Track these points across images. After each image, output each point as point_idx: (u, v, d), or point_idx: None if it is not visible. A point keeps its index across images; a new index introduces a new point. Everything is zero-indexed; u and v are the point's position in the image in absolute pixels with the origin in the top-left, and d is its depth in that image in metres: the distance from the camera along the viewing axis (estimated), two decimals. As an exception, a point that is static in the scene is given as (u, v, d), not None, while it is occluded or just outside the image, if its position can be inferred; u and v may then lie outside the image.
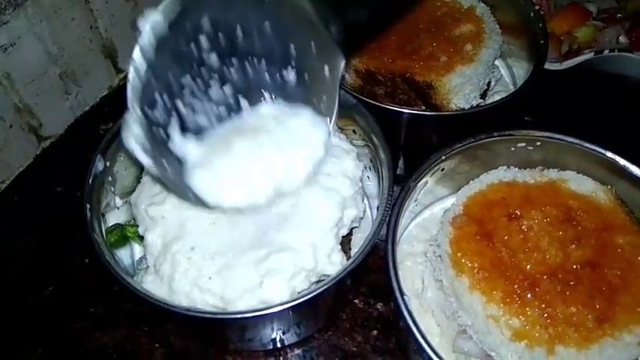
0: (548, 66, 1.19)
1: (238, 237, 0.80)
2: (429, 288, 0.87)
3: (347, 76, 1.08)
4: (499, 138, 0.92)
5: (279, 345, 0.90)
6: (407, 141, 1.01)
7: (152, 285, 0.79)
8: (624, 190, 0.87)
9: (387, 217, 0.82)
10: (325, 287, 0.75)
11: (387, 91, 1.05)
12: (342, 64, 0.80)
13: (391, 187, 0.84)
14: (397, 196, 0.85)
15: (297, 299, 0.74)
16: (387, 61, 1.04)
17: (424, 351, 0.70)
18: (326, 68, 0.81)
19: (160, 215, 0.80)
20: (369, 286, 0.97)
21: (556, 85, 1.22)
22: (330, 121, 0.84)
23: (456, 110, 1.00)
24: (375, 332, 0.93)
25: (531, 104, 1.19)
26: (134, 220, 0.86)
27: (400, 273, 0.87)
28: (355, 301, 0.95)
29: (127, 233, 0.87)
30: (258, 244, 0.80)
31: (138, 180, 0.88)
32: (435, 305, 0.86)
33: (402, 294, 0.75)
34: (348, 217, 0.86)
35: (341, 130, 0.96)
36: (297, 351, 0.92)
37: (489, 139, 0.92)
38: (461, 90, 1.01)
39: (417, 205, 0.96)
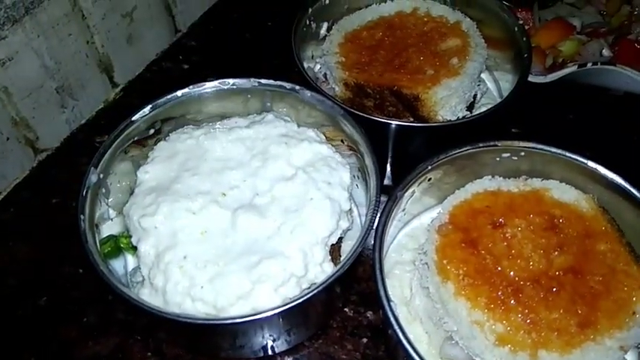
0: (533, 79, 1.22)
1: (230, 245, 0.82)
2: (417, 295, 0.89)
3: (337, 88, 1.11)
4: (484, 149, 0.94)
5: (270, 352, 0.91)
6: (395, 152, 1.04)
7: (148, 297, 0.81)
8: (606, 198, 0.90)
9: (375, 226, 0.85)
10: (313, 293, 0.77)
11: (376, 104, 1.08)
12: None
13: (378, 197, 0.86)
14: (384, 205, 0.88)
15: (286, 305, 0.75)
16: (375, 75, 1.06)
17: (412, 358, 0.72)
18: None
19: (153, 226, 0.82)
20: (359, 295, 0.99)
21: (541, 98, 1.25)
22: None
23: (443, 122, 1.03)
24: (364, 340, 0.94)
25: (518, 116, 1.22)
26: (127, 231, 0.88)
27: (389, 281, 0.90)
28: (345, 309, 0.97)
29: (120, 244, 0.89)
30: (249, 251, 0.81)
31: (131, 191, 0.90)
32: (423, 312, 0.88)
33: (389, 301, 0.77)
34: (341, 227, 0.88)
35: (330, 140, 0.99)
36: (287, 359, 0.93)
37: (475, 150, 0.95)
38: (447, 102, 1.04)
39: (405, 215, 0.98)
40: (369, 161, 0.90)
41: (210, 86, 1.01)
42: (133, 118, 0.93)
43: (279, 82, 1.02)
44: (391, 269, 0.95)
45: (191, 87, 0.99)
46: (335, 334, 0.95)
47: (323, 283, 0.78)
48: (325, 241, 0.84)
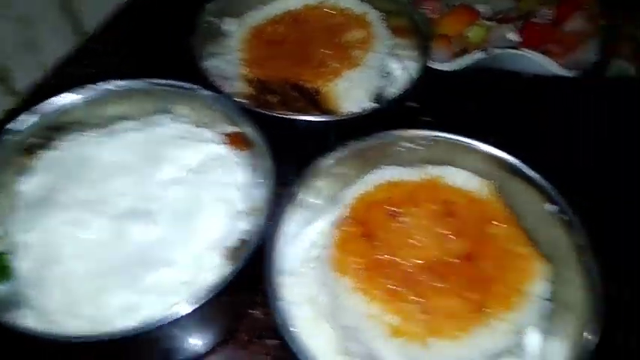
0: (440, 66, 1.23)
1: (116, 256, 0.78)
2: (321, 293, 0.87)
3: (240, 86, 1.08)
4: (386, 139, 0.94)
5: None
6: (300, 148, 1.01)
7: (32, 319, 0.76)
8: (508, 183, 0.90)
9: (270, 225, 0.82)
10: (205, 300, 0.74)
11: (281, 100, 1.06)
12: None
13: (274, 195, 0.84)
14: (281, 203, 0.86)
15: (174, 316, 0.72)
16: (277, 70, 1.04)
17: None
18: None
19: (30, 241, 0.77)
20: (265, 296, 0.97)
21: (453, 86, 1.26)
22: None
23: (345, 115, 1.02)
24: (275, 342, 0.92)
25: (430, 105, 1.22)
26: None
27: (295, 279, 0.88)
28: (252, 311, 0.94)
29: (4, 263, 0.84)
30: (137, 261, 0.78)
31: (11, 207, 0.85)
32: (326, 310, 0.86)
33: (277, 300, 0.75)
34: (239, 229, 0.85)
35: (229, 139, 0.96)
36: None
37: (377, 141, 0.94)
38: (350, 94, 1.03)
39: (311, 211, 0.96)
40: (265, 159, 0.88)
41: (101, 89, 0.97)
42: (10, 127, 0.88)
43: (176, 82, 0.99)
44: (297, 267, 0.92)
45: (79, 91, 0.95)
46: (243, 337, 0.92)
47: (215, 289, 0.75)
48: (220, 244, 0.81)
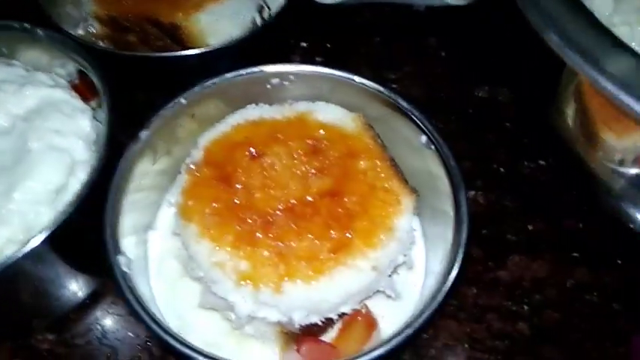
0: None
1: None
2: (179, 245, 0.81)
3: (94, 26, 0.97)
4: (248, 75, 0.86)
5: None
6: (158, 89, 0.92)
7: None
8: (374, 115, 0.85)
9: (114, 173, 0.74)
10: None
11: (140, 38, 0.95)
12: None
13: (107, 145, 0.75)
14: (127, 148, 0.77)
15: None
16: (131, 5, 0.93)
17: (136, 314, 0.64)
18: None
19: None
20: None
21: (337, 19, 1.18)
22: None
23: (204, 48, 0.92)
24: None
25: (310, 39, 1.15)
26: None
27: (157, 233, 0.82)
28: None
29: None
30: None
31: None
32: (185, 261, 0.80)
33: (117, 253, 0.68)
34: (80, 182, 0.76)
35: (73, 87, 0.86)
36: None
37: (241, 78, 0.86)
38: (216, 28, 0.94)
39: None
40: (104, 105, 0.78)
41: None
42: None
43: (12, 23, 0.87)
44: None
45: None
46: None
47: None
48: (52, 198, 0.72)
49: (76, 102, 0.81)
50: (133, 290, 0.66)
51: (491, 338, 0.85)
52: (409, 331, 0.63)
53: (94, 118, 0.82)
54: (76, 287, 0.82)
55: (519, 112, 1.08)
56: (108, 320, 0.85)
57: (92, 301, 0.86)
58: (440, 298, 0.67)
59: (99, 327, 0.84)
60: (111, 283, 0.78)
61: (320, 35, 1.17)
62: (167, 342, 0.65)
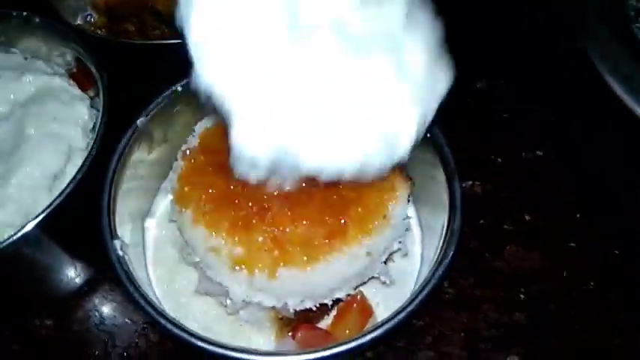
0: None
1: None
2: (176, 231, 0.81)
3: (93, 15, 0.97)
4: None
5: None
6: (154, 77, 0.92)
7: None
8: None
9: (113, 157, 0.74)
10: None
11: (138, 28, 0.96)
12: None
13: (104, 132, 0.75)
14: (126, 134, 0.77)
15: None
16: (127, -7, 0.94)
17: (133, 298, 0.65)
18: None
19: None
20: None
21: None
22: None
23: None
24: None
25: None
26: None
27: (154, 222, 0.83)
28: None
29: None
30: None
31: None
32: (182, 248, 0.80)
33: (113, 238, 0.68)
34: (77, 168, 0.76)
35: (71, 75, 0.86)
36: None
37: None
38: (214, 18, 0.94)
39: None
40: (101, 93, 0.78)
41: None
42: None
43: (11, 12, 0.87)
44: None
45: None
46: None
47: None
48: (49, 184, 0.73)
49: (74, 90, 0.82)
50: (129, 274, 0.67)
51: (488, 328, 0.85)
52: (401, 316, 0.63)
53: (92, 106, 0.83)
54: (74, 274, 0.83)
55: (517, 103, 1.08)
56: (106, 307, 0.86)
57: (90, 287, 0.87)
58: (432, 284, 0.67)
59: (97, 313, 0.85)
60: (109, 271, 0.79)
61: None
62: (164, 326, 0.65)
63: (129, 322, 0.84)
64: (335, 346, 0.63)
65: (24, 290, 0.80)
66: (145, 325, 0.83)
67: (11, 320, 0.84)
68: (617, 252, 0.91)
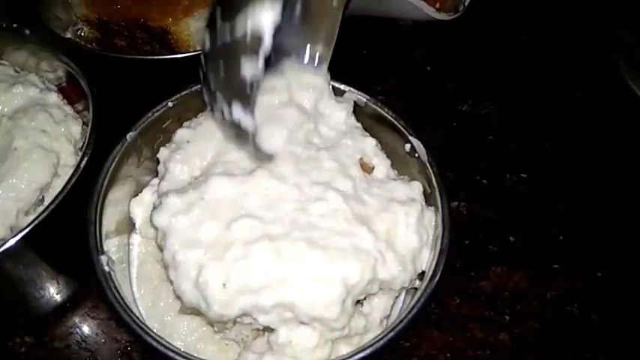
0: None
1: None
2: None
3: (84, 29, 0.97)
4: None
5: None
6: (143, 93, 0.92)
7: None
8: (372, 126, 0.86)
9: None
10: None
11: (129, 43, 0.96)
12: None
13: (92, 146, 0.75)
14: (114, 150, 0.77)
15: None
16: (121, 9, 0.94)
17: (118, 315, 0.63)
18: None
19: None
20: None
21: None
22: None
23: (192, 52, 0.92)
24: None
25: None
26: None
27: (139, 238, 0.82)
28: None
29: None
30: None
31: None
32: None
33: (99, 253, 0.67)
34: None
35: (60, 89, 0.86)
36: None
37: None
38: (205, 35, 0.94)
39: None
40: (90, 107, 0.78)
41: None
42: None
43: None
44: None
45: None
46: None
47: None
48: (37, 196, 0.72)
49: (69, 109, 0.81)
50: (115, 291, 0.65)
51: (473, 348, 0.86)
52: (387, 336, 0.63)
53: (83, 122, 0.82)
54: (56, 289, 0.81)
55: (502, 126, 1.10)
56: (88, 324, 0.84)
57: (72, 304, 0.85)
58: (419, 305, 0.67)
59: (78, 331, 0.83)
60: (92, 287, 0.78)
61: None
62: (149, 344, 0.64)
63: (112, 340, 0.82)
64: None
65: (3, 305, 0.78)
66: (128, 344, 0.82)
67: (-12, 336, 0.82)
68: (599, 274, 0.92)
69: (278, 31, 0.65)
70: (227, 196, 0.67)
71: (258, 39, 0.64)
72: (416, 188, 0.75)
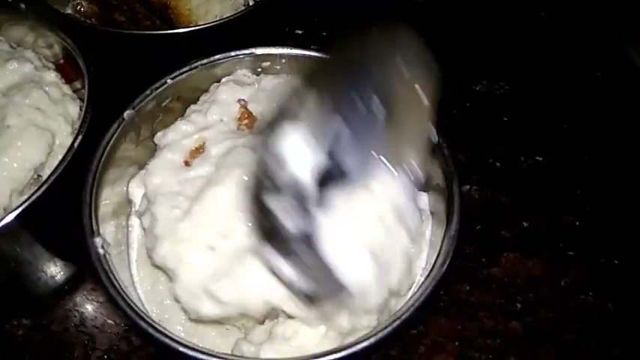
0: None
1: None
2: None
3: (83, 4, 0.94)
4: (238, 57, 0.82)
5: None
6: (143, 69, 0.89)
7: None
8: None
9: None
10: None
11: (128, 17, 0.93)
12: None
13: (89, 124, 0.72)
14: (111, 127, 0.74)
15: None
16: (118, -19, 0.91)
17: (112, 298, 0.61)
18: None
19: None
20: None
21: (338, 9, 1.16)
22: None
23: (194, 26, 0.89)
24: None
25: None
26: None
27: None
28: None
29: None
30: None
31: None
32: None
33: (94, 235, 0.65)
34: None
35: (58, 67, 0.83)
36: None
37: (228, 59, 0.82)
38: (208, 10, 0.91)
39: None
40: (87, 85, 0.75)
41: None
42: None
43: (-4, -2, 0.84)
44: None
45: None
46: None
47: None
48: (31, 175, 0.70)
49: (67, 89, 0.79)
50: (109, 273, 0.63)
51: (483, 336, 0.83)
52: (394, 324, 0.60)
53: (81, 101, 0.80)
54: (54, 271, 0.79)
55: (517, 107, 1.06)
56: (86, 307, 0.83)
57: (71, 286, 0.83)
58: (427, 292, 0.64)
59: (77, 314, 0.82)
60: (91, 269, 0.76)
61: (316, 23, 1.15)
62: (144, 329, 0.62)
63: (111, 323, 0.81)
64: (326, 354, 0.60)
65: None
66: (127, 327, 0.80)
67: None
68: (616, 261, 0.89)
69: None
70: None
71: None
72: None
